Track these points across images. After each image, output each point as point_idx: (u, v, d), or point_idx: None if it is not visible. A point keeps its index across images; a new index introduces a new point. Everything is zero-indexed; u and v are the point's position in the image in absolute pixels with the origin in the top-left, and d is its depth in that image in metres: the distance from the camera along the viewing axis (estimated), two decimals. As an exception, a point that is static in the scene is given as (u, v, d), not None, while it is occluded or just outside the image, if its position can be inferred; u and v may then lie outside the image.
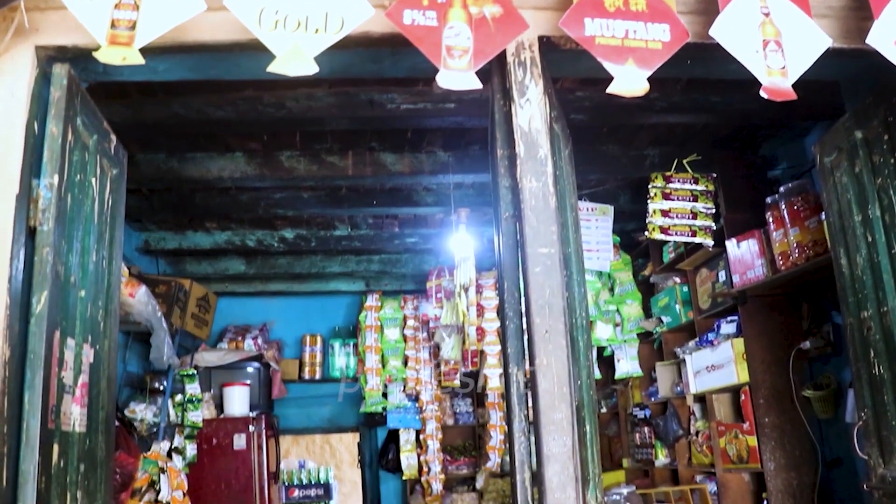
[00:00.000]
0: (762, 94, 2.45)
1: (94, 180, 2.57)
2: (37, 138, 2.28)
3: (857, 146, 3.17)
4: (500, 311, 2.48)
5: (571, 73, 3.55)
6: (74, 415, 2.39)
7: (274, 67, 2.31)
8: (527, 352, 2.02)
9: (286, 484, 8.75)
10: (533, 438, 2.03)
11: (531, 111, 2.25)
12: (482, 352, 7.44)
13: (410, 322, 8.06)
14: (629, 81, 2.30)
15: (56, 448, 2.24)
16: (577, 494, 1.85)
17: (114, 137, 2.84)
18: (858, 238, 3.20)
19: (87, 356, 2.49)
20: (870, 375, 3.13)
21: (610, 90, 2.34)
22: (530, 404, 2.08)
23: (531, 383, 1.92)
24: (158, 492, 5.88)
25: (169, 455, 6.20)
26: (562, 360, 1.91)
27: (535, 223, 2.04)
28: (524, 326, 2.16)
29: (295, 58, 2.30)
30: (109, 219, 2.76)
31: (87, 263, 2.53)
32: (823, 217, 4.21)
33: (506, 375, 2.18)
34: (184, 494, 6.02)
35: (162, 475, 5.95)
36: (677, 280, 6.08)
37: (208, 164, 5.05)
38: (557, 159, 2.34)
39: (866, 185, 3.12)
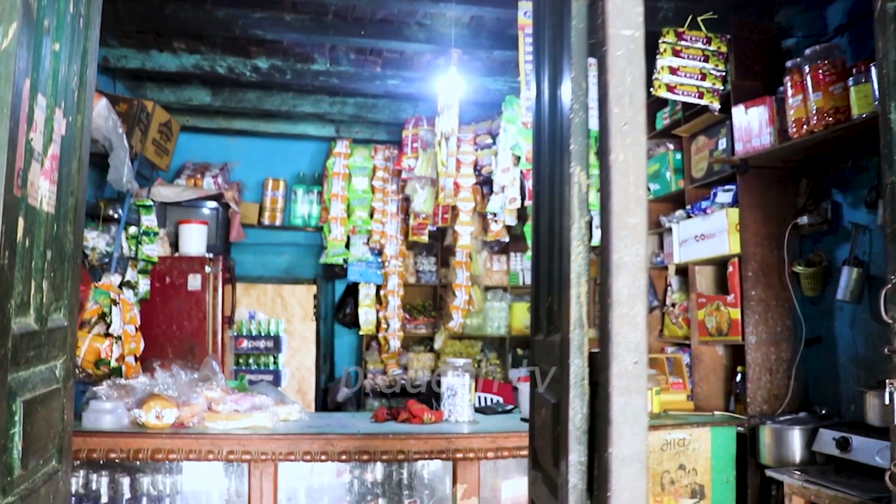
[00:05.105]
0: None
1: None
2: None
3: (934, -14, 2.86)
4: (540, 115, 2.16)
5: None
6: (43, 190, 2.04)
7: None
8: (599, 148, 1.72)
9: (235, 335, 8.54)
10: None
11: None
12: (454, 207, 7.17)
13: (380, 173, 7.68)
14: None
15: (21, 222, 1.90)
16: (647, 312, 1.60)
17: None
18: (916, 90, 2.93)
19: (59, 125, 2.12)
20: (906, 238, 2.94)
21: None
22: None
23: (603, 183, 1.63)
24: (109, 325, 5.58)
25: (120, 288, 5.87)
26: (640, 158, 1.62)
27: (620, 1, 1.71)
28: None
29: None
30: (87, -28, 2.32)
31: (64, 13, 2.11)
32: (851, 83, 3.97)
33: (561, 180, 1.90)
34: (136, 329, 5.75)
35: (114, 307, 5.63)
36: (670, 147, 5.81)
37: (185, -35, 4.52)
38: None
39: (937, 31, 2.84)
